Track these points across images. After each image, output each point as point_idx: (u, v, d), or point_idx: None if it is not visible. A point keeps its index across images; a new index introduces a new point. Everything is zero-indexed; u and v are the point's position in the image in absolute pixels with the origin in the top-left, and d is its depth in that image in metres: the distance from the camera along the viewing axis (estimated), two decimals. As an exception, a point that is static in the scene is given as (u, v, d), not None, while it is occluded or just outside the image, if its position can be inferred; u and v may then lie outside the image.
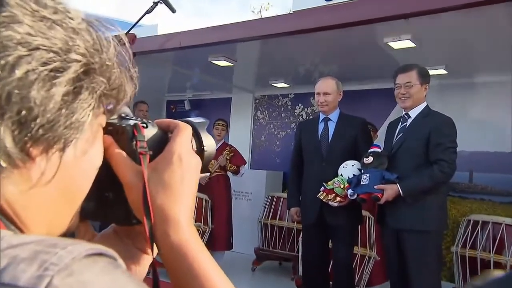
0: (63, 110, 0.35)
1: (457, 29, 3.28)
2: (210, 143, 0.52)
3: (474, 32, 3.32)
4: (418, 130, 2.51)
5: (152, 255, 0.46)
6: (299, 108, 5.93)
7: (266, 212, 4.58)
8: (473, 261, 3.20)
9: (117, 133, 0.46)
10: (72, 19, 0.37)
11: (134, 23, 2.90)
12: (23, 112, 0.33)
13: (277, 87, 5.77)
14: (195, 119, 0.52)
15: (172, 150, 0.47)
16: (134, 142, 0.46)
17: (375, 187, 2.47)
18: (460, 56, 3.96)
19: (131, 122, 0.46)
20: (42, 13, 0.35)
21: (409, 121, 2.60)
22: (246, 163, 4.80)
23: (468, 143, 4.20)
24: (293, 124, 5.85)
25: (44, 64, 0.34)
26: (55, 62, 0.34)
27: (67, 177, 0.38)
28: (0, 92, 0.32)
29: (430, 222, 2.42)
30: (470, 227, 3.27)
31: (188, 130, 0.49)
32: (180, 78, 5.61)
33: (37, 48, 0.34)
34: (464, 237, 3.31)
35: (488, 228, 3.15)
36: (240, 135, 5.99)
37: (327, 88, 2.95)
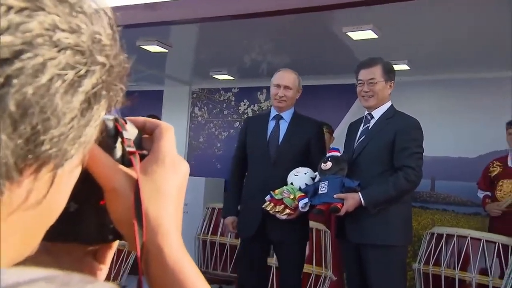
0: (76, 122, 0.33)
1: (423, 21, 3.47)
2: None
3: (441, 25, 3.55)
4: (382, 133, 2.61)
5: (141, 275, 0.44)
6: (244, 104, 5.96)
7: (205, 226, 4.53)
8: (437, 279, 3.38)
9: None
10: (83, 1, 0.33)
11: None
12: (39, 127, 0.30)
13: (218, 79, 5.76)
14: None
15: (163, 151, 0.47)
16: (120, 140, 0.44)
17: (334, 196, 2.52)
18: (424, 50, 4.20)
19: (109, 116, 0.44)
20: None
21: (372, 122, 2.70)
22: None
23: (429, 148, 4.42)
24: (237, 123, 5.86)
25: (72, 67, 0.31)
26: (82, 65, 0.32)
27: (52, 196, 0.36)
28: (17, 101, 0.29)
29: (395, 235, 2.52)
30: (434, 241, 3.45)
31: (172, 131, 0.50)
32: (100, 65, 5.43)
33: (67, 48, 0.31)
34: (427, 253, 3.49)
35: (453, 242, 3.34)
36: (174, 136, 5.89)
37: (289, 82, 2.98)
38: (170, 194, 0.45)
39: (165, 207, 0.45)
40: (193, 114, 6.14)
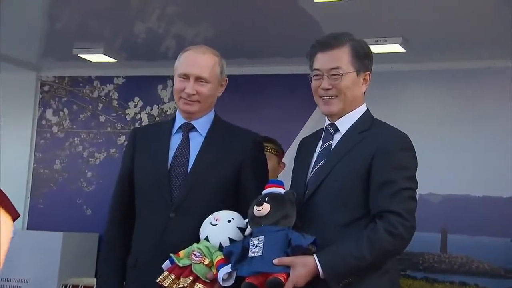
0: None
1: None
2: None
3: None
4: (352, 156, 2.68)
5: None
6: (136, 105, 6.03)
7: (61, 318, 4.48)
8: None
9: None
10: None
11: None
12: None
13: (89, 61, 5.78)
14: None
15: None
16: None
17: (274, 261, 2.56)
18: (429, 23, 4.44)
19: None
20: None
21: (337, 138, 2.78)
22: (18, 216, 4.63)
23: (439, 181, 4.70)
24: (123, 137, 5.91)
25: None
26: None
27: None
28: None
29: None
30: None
31: None
32: None
33: None
34: None
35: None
36: (7, 158, 5.79)
37: (204, 69, 2.97)
38: None
39: None
40: (44, 121, 6.08)
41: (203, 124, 3.10)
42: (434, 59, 5.06)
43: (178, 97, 3.04)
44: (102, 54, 5.61)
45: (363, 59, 2.81)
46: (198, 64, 3.02)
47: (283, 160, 4.57)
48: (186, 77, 3.00)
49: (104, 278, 3.16)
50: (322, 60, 2.78)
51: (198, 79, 2.99)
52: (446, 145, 4.87)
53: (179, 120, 3.12)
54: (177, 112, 3.16)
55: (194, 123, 3.08)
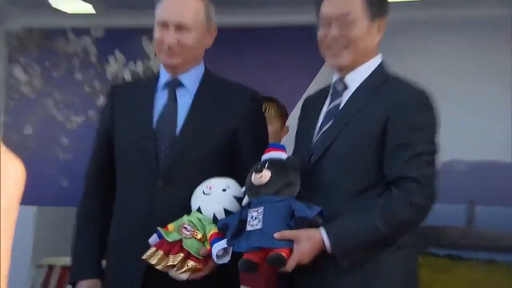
0: None
1: None
2: None
3: None
4: (364, 115, 2.69)
5: None
6: (117, 61, 6.01)
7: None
8: None
9: None
10: None
11: None
12: None
13: (64, 12, 5.77)
14: None
15: None
16: None
17: (275, 235, 2.57)
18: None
19: None
20: None
21: (346, 95, 2.79)
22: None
23: (464, 146, 4.69)
24: (102, 98, 5.86)
25: None
26: None
27: None
28: None
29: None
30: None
31: None
32: None
33: None
34: None
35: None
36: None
37: (185, 16, 2.97)
38: None
39: None
40: (12, 80, 6.08)
41: (191, 79, 3.09)
42: (454, 5, 5.02)
43: (158, 49, 3.03)
44: (78, 1, 5.56)
45: (378, 5, 2.79)
46: (178, 9, 3.00)
47: (287, 123, 4.55)
48: (165, 25, 2.97)
49: (80, 257, 3.16)
50: (331, 5, 2.76)
51: (179, 26, 2.96)
52: (471, 105, 4.86)
53: (164, 76, 3.11)
54: (161, 67, 3.14)
55: (181, 78, 3.07)
